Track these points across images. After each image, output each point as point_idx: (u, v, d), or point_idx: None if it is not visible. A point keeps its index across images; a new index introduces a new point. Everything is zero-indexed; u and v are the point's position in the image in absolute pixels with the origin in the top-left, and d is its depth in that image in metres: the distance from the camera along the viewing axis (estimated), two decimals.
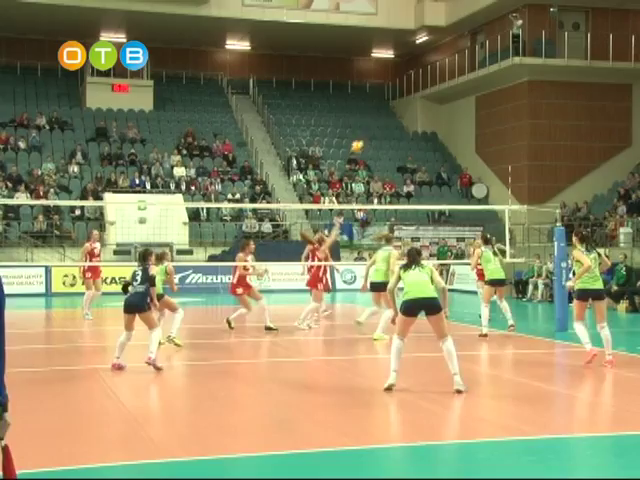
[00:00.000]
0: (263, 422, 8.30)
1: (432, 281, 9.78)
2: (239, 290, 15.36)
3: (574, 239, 11.99)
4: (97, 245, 18.25)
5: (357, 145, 21.21)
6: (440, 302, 9.66)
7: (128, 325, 11.19)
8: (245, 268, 15.38)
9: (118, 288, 24.52)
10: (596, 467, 6.74)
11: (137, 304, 11.06)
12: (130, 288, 11.22)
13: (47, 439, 7.45)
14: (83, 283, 19.04)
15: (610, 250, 26.51)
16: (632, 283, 21.59)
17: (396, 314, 10.06)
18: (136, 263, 14.83)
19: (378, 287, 14.15)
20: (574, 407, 9.29)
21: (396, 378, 9.59)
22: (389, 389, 9.51)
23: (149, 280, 11.18)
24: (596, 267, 11.85)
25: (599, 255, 12.05)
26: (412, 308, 9.70)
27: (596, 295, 11.83)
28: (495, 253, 15.63)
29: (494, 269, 15.38)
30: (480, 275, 16.75)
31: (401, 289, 10.15)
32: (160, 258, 12.62)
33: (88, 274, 17.88)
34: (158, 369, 10.97)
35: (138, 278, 11.15)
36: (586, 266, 11.55)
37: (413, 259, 9.92)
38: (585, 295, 11.85)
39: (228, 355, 13.55)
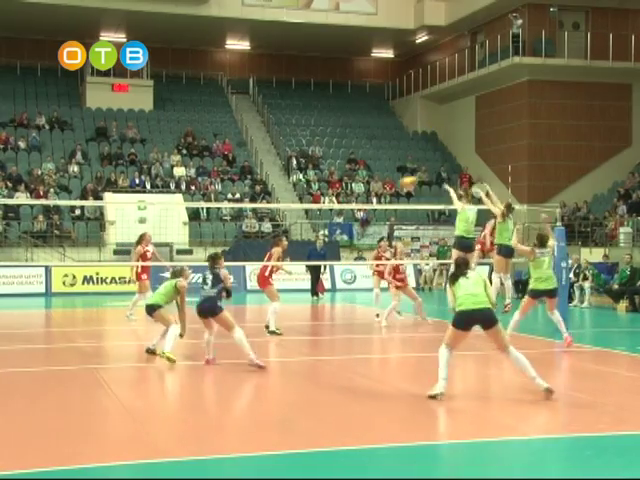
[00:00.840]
0: (263, 422, 8.29)
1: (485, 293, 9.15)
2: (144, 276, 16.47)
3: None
4: (149, 248, 17.67)
5: (407, 181, 21.35)
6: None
7: (207, 326, 11.43)
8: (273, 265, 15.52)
9: (118, 288, 24.68)
10: (596, 467, 6.74)
11: (210, 309, 11.18)
12: (201, 292, 11.28)
13: (46, 439, 7.45)
14: (133, 282, 18.24)
15: (610, 250, 26.55)
16: (633, 283, 21.58)
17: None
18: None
19: None
20: (574, 407, 9.28)
21: (445, 387, 9.02)
22: (433, 397, 8.96)
23: (220, 284, 11.21)
24: (549, 267, 12.31)
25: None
26: (465, 320, 9.06)
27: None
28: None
29: (507, 238, 15.41)
30: (489, 245, 16.98)
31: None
32: (178, 274, 12.30)
33: (144, 276, 17.33)
34: (261, 367, 11.00)
35: (209, 282, 11.21)
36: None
37: (461, 269, 9.35)
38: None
39: (227, 355, 13.54)
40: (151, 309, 12.12)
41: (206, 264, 17.27)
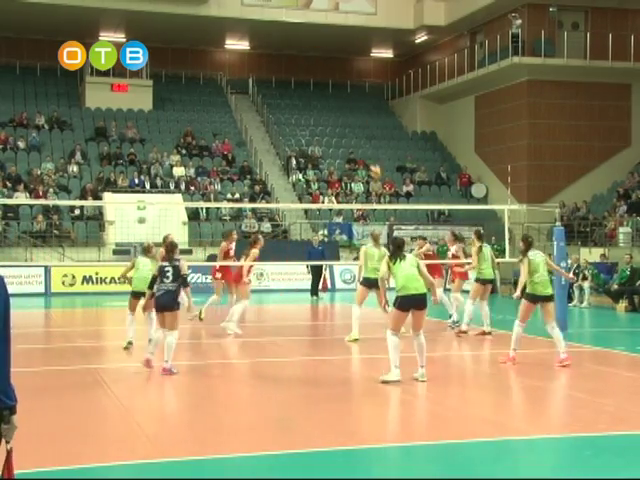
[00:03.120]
0: (261, 422, 8.29)
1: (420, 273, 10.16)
2: (219, 275, 15.83)
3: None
4: (232, 246, 16.59)
5: (376, 171, 21.28)
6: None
7: (162, 323, 11.02)
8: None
9: (117, 288, 24.66)
10: (596, 467, 6.74)
11: (169, 304, 10.76)
12: (160, 285, 10.83)
13: (46, 439, 7.44)
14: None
15: (610, 250, 26.55)
16: (632, 283, 21.59)
17: (386, 303, 10.65)
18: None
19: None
20: (574, 407, 9.29)
21: (400, 375, 9.78)
22: (385, 382, 9.74)
23: (181, 279, 10.86)
24: (545, 270, 12.06)
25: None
26: (408, 304, 9.99)
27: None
28: (481, 248, 15.58)
29: (487, 268, 15.38)
30: (459, 274, 16.85)
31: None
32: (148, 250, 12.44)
33: (218, 275, 16.38)
34: (172, 374, 10.79)
35: (169, 275, 10.77)
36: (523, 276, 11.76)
37: (398, 248, 10.25)
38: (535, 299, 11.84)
39: (226, 355, 13.55)
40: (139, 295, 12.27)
41: (205, 264, 17.26)
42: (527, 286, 11.77)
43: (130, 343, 13.16)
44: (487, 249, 15.69)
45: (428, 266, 17.78)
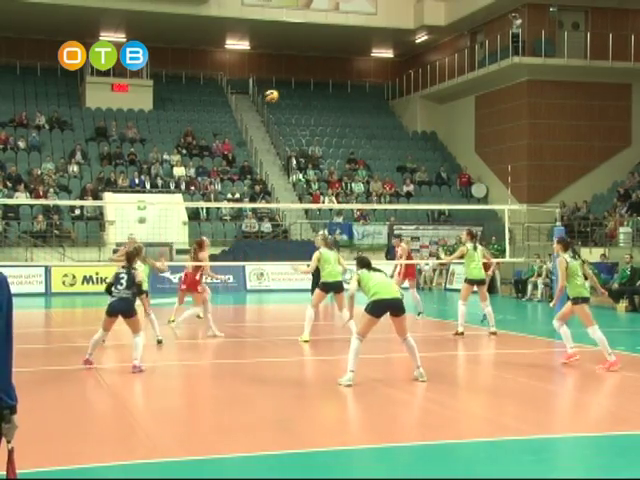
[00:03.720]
0: (261, 422, 8.29)
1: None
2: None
3: (557, 247, 12.06)
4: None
5: (272, 95, 20.64)
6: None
7: (109, 326, 11.12)
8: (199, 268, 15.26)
9: None
10: (596, 467, 6.74)
11: (126, 310, 10.84)
12: (114, 292, 10.93)
13: (46, 439, 7.44)
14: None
15: (610, 250, 26.54)
16: (633, 283, 21.58)
17: (351, 317, 10.54)
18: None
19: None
20: (574, 407, 9.28)
21: (353, 379, 9.81)
22: (340, 385, 9.79)
23: (136, 286, 10.92)
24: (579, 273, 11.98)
25: (583, 262, 12.36)
26: (381, 308, 9.90)
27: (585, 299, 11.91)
28: (475, 248, 15.49)
29: (475, 267, 15.32)
30: (407, 274, 17.18)
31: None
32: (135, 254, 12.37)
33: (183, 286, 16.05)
34: (141, 371, 10.82)
35: (123, 282, 10.82)
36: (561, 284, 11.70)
37: (368, 264, 10.30)
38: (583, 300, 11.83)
39: (226, 355, 13.54)
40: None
41: (206, 264, 17.21)
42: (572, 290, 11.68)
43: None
44: (479, 249, 15.58)
45: (404, 266, 17.92)
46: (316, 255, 14.20)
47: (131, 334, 11.02)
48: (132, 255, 11.22)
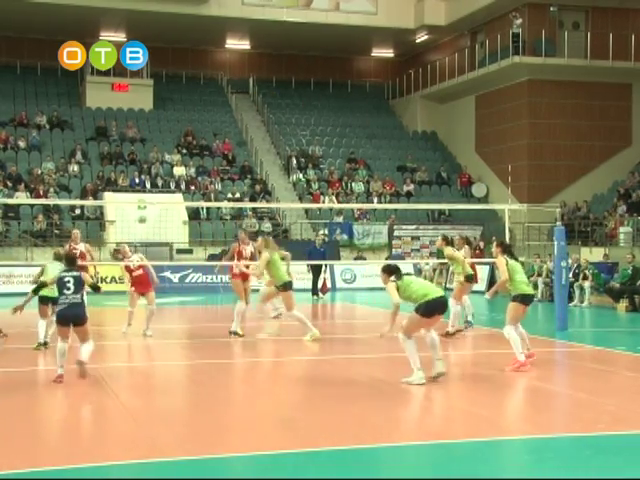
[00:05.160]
0: (263, 421, 8.29)
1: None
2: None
3: (496, 250, 11.82)
4: (245, 247, 15.92)
5: None
6: None
7: (65, 334, 10.13)
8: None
9: (118, 287, 24.65)
10: (596, 467, 6.74)
11: (78, 317, 10.02)
12: (61, 298, 9.98)
13: (46, 439, 7.45)
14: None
15: (610, 249, 26.55)
16: (633, 282, 21.57)
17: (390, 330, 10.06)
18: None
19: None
20: (574, 406, 9.28)
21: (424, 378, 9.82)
22: (410, 384, 9.75)
23: (83, 289, 10.20)
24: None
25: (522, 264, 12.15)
26: (435, 307, 9.94)
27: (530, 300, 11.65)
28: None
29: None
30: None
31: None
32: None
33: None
34: (84, 365, 9.99)
35: (71, 286, 9.92)
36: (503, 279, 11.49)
37: (399, 270, 10.20)
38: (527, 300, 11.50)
39: (227, 354, 13.55)
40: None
41: (206, 263, 17.16)
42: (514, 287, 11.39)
43: (45, 344, 12.81)
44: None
45: None
46: (265, 258, 14.04)
47: (80, 341, 10.19)
48: (71, 261, 10.43)
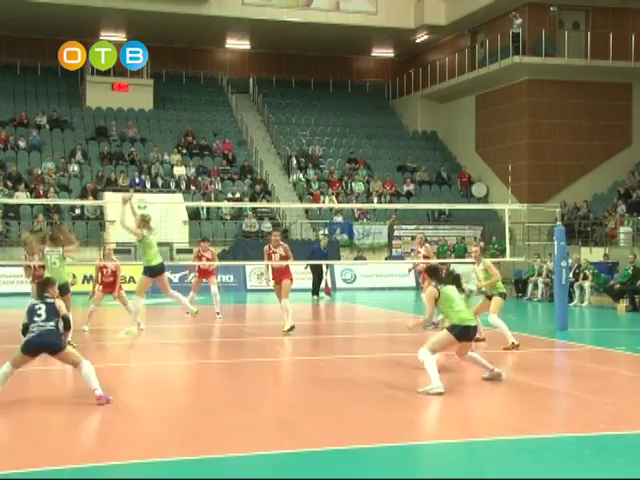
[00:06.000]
0: (264, 421, 8.29)
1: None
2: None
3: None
4: (275, 249, 16.44)
5: None
6: None
7: (20, 364, 9.05)
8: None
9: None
10: (596, 467, 6.74)
11: (52, 345, 8.93)
12: (32, 327, 8.96)
13: (46, 439, 7.44)
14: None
15: (610, 249, 26.55)
16: (634, 282, 21.58)
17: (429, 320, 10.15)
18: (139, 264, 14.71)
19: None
20: (574, 406, 9.28)
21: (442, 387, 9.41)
22: (428, 394, 9.37)
23: (62, 320, 9.18)
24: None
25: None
26: (467, 334, 9.67)
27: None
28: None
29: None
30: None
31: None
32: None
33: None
34: (108, 402, 8.84)
35: (42, 313, 8.98)
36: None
37: (439, 272, 9.91)
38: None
39: (228, 354, 13.54)
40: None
41: (206, 263, 17.18)
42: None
43: None
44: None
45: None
46: (143, 239, 14.26)
47: (74, 366, 9.15)
48: (45, 286, 9.48)
